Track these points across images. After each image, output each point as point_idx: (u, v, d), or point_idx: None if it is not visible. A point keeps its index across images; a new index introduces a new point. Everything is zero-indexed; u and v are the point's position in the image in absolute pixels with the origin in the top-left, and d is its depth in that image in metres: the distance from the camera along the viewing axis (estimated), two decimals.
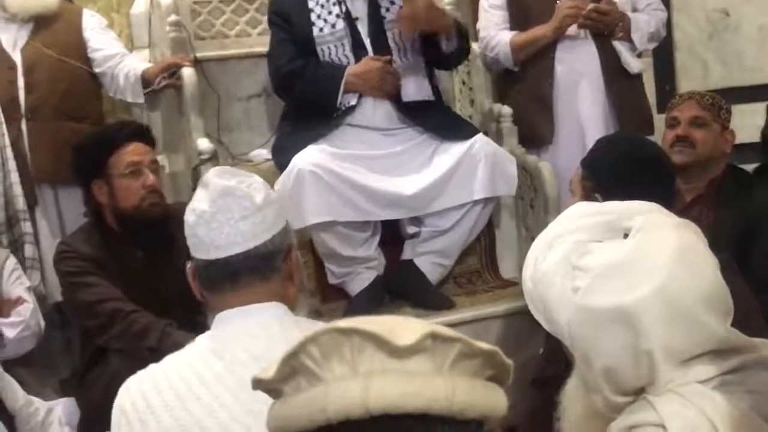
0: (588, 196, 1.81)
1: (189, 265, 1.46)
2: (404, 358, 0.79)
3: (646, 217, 1.16)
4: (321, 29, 2.81)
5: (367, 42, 2.82)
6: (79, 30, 3.07)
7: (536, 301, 1.22)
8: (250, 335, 1.36)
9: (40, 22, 3.02)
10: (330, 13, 2.82)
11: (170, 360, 1.41)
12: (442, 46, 2.77)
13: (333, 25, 2.80)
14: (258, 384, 0.86)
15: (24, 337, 2.63)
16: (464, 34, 2.86)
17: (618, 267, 1.13)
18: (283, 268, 1.43)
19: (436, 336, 0.82)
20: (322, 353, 0.80)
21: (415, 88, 2.81)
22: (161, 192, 2.60)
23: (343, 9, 2.81)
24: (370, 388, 0.76)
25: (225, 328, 1.40)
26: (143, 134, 2.62)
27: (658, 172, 1.85)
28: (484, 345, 0.84)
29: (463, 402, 0.77)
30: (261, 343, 1.35)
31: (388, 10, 2.83)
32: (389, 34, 2.81)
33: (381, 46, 2.81)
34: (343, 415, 0.76)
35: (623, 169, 1.81)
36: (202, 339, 1.42)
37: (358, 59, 2.78)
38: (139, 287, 2.49)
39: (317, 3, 2.83)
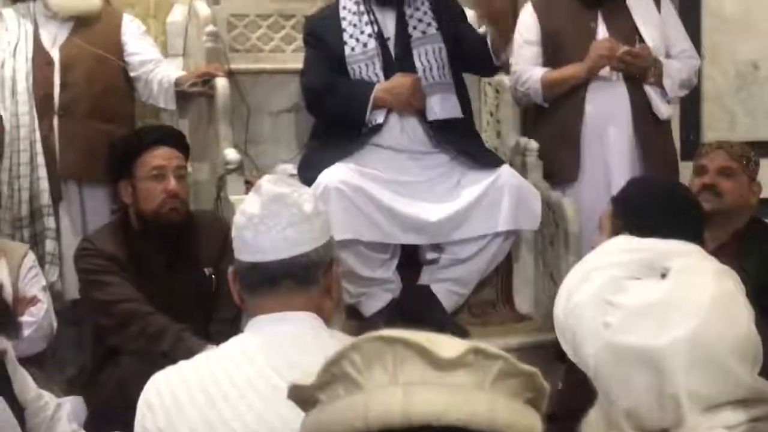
0: (616, 234, 1.80)
1: (231, 269, 1.48)
2: (447, 370, 0.79)
3: (687, 260, 1.16)
4: (353, 48, 2.85)
5: (395, 61, 2.87)
6: (117, 33, 3.11)
7: (566, 332, 1.22)
8: (284, 342, 1.37)
9: (80, 22, 3.05)
10: (362, 32, 2.86)
11: (201, 358, 1.42)
12: (494, 58, 2.81)
13: (365, 45, 2.85)
14: (294, 391, 0.86)
15: (35, 338, 2.61)
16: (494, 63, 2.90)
17: (652, 307, 1.13)
18: (323, 280, 1.45)
19: (479, 351, 0.82)
20: (365, 361, 0.80)
21: (440, 107, 2.85)
22: (183, 199, 2.61)
23: (375, 29, 2.86)
24: (412, 397, 0.76)
25: (259, 332, 1.41)
26: (175, 139, 2.64)
27: (689, 216, 1.85)
28: (525, 366, 0.84)
29: (504, 419, 0.77)
30: (294, 351, 1.35)
31: (415, 28, 2.87)
32: (415, 53, 2.85)
33: (408, 64, 2.86)
34: (383, 423, 0.76)
35: (655, 210, 1.81)
36: (235, 341, 1.43)
37: (387, 78, 2.83)
38: (156, 290, 2.50)
39: (350, 23, 2.87)
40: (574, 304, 1.20)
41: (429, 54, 2.85)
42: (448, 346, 0.83)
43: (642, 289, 1.14)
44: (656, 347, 1.11)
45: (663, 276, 1.16)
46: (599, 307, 1.16)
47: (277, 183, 1.45)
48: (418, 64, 2.85)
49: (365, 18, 2.88)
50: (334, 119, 2.86)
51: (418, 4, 2.92)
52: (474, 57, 2.88)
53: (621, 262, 1.18)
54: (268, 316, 1.41)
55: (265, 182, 1.45)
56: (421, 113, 2.84)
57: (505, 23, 2.77)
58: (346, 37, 2.87)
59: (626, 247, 1.22)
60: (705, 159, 2.77)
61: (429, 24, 2.89)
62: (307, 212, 1.42)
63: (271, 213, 1.41)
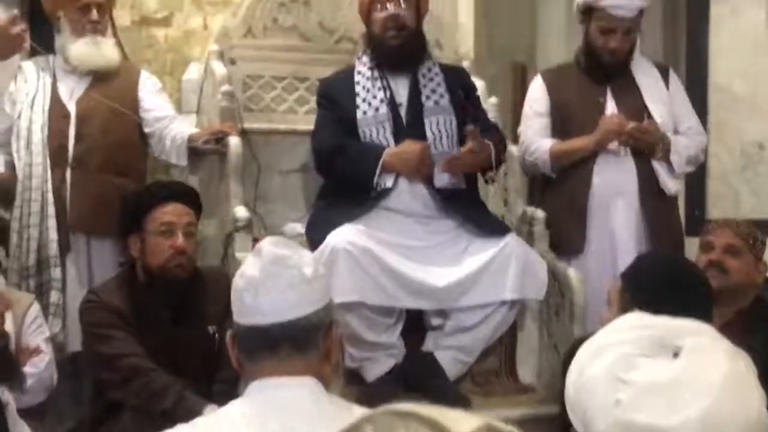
0: (625, 309, 1.81)
1: (229, 332, 1.47)
2: None
3: (699, 339, 1.16)
4: (365, 112, 2.89)
5: (406, 127, 2.90)
6: (134, 89, 3.15)
7: (577, 408, 1.22)
8: (283, 407, 1.36)
9: (98, 77, 3.10)
10: (375, 97, 2.91)
11: (200, 422, 1.41)
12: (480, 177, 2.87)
13: (376, 109, 2.89)
14: None
15: (36, 389, 2.59)
16: (502, 148, 2.96)
17: (663, 387, 1.12)
18: (322, 344, 1.44)
19: (492, 428, 0.82)
20: None
21: (448, 176, 2.87)
22: (190, 256, 2.61)
23: (388, 95, 2.91)
24: None
25: (258, 397, 1.40)
26: (187, 196, 2.66)
27: (698, 294, 1.85)
28: None
29: None
30: (292, 416, 1.34)
31: (428, 98, 2.91)
32: (426, 122, 2.89)
33: (419, 131, 2.89)
34: None
35: (664, 286, 1.81)
36: (233, 405, 1.42)
37: (397, 143, 2.86)
38: (160, 346, 2.49)
39: (363, 87, 2.92)
40: (585, 379, 1.20)
41: (440, 124, 2.89)
42: (461, 421, 0.83)
43: (653, 367, 1.14)
44: (667, 427, 1.10)
45: (675, 354, 1.16)
46: (611, 384, 1.16)
47: (278, 245, 1.45)
48: (428, 132, 2.88)
49: (378, 83, 2.93)
50: (343, 181, 2.89)
51: (432, 74, 2.97)
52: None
53: (632, 339, 1.18)
54: (266, 381, 1.40)
55: (266, 244, 1.45)
56: (428, 180, 2.86)
57: (480, 161, 2.85)
58: (358, 100, 2.91)
59: (637, 324, 1.22)
60: (711, 236, 2.78)
61: (442, 96, 2.93)
62: (308, 275, 1.42)
63: (271, 275, 1.40)
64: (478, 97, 3.13)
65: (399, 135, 2.89)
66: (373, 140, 2.88)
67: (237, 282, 1.45)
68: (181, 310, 2.56)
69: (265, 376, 1.41)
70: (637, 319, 1.24)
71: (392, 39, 2.91)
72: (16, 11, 2.78)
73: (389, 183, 2.83)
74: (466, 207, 2.87)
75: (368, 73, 2.95)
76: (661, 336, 1.17)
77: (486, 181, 2.99)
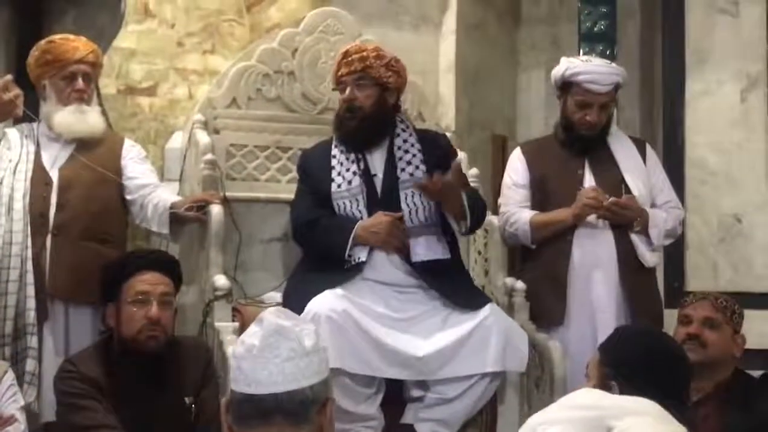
0: (604, 382, 1.81)
1: (223, 400, 1.47)
2: None
3: (634, 421, 1.14)
4: (339, 185, 2.92)
5: (381, 199, 2.92)
6: (118, 157, 3.16)
7: None
8: None
9: (82, 144, 3.11)
10: (348, 170, 2.93)
11: None
12: (454, 227, 2.86)
13: (349, 182, 2.92)
14: None
15: None
16: (481, 205, 2.96)
17: None
18: (316, 420, 1.42)
19: None
20: None
21: (425, 249, 2.87)
22: (164, 326, 2.58)
23: (362, 166, 2.93)
24: None
25: None
26: (166, 265, 2.65)
27: (677, 369, 1.85)
28: None
29: None
30: None
31: (403, 170, 2.93)
32: (402, 195, 2.90)
33: (395, 204, 2.90)
34: None
35: (643, 361, 1.81)
36: None
37: (370, 215, 2.87)
38: (136, 416, 2.45)
39: (338, 161, 2.95)
40: None
41: (416, 196, 2.88)
42: None
43: None
44: None
45: None
46: None
47: (280, 316, 1.46)
48: (404, 206, 2.88)
49: (352, 156, 2.95)
50: (318, 254, 2.89)
51: (408, 146, 2.98)
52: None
53: (570, 419, 1.17)
54: None
55: (268, 314, 1.47)
56: (401, 251, 2.86)
57: (454, 199, 2.82)
58: (333, 173, 2.94)
59: (580, 403, 1.21)
60: (689, 308, 2.80)
61: (417, 167, 2.93)
62: (307, 347, 1.43)
63: (270, 345, 1.41)
64: (458, 161, 3.14)
65: (373, 207, 2.89)
66: (347, 213, 2.88)
67: (237, 349, 1.45)
68: (157, 380, 2.53)
69: None
70: (581, 397, 1.23)
71: (349, 121, 2.94)
72: (10, 76, 2.78)
73: (363, 256, 2.83)
74: (445, 278, 2.86)
75: (343, 146, 2.98)
76: (601, 416, 1.16)
77: (461, 233, 2.95)
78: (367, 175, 2.94)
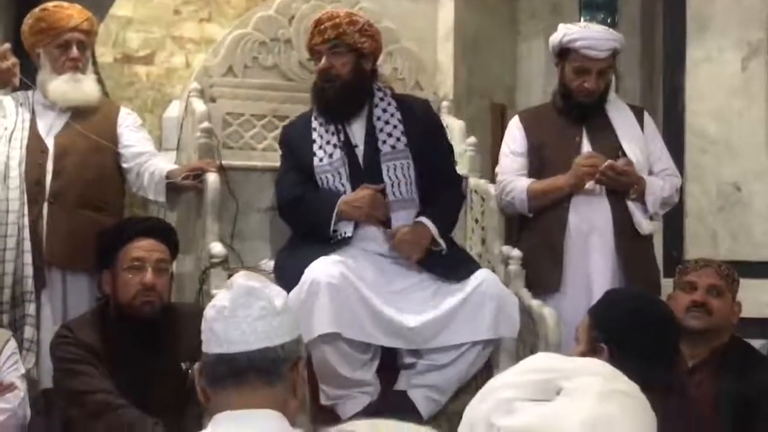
0: (593, 345, 1.82)
1: (197, 364, 1.49)
2: None
3: (580, 381, 1.14)
4: (321, 159, 2.91)
5: (364, 170, 2.90)
6: (114, 125, 3.16)
7: None
8: None
9: (77, 112, 3.10)
10: (329, 142, 2.92)
11: None
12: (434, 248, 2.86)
13: (330, 155, 2.90)
14: None
15: (8, 426, 2.57)
16: (455, 204, 3.01)
17: (526, 431, 1.11)
18: (289, 377, 1.45)
19: None
20: None
21: (406, 223, 2.86)
22: (159, 292, 2.59)
23: (342, 138, 2.91)
24: None
25: (221, 428, 1.40)
26: (161, 232, 2.66)
27: (664, 332, 1.86)
28: None
29: None
30: None
31: (384, 142, 2.91)
32: (384, 167, 2.88)
33: (377, 176, 2.88)
34: None
35: (630, 323, 1.82)
36: None
37: (354, 188, 2.86)
38: (132, 382, 2.48)
39: (319, 133, 2.93)
40: (466, 422, 1.19)
41: (397, 170, 2.87)
42: None
43: (525, 412, 1.12)
44: None
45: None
46: (486, 429, 1.14)
47: (249, 278, 1.49)
48: (386, 178, 2.87)
49: (332, 128, 2.92)
50: (304, 231, 2.90)
51: (387, 116, 2.95)
52: (436, 179, 2.93)
53: (520, 383, 1.16)
54: (230, 413, 1.41)
55: (238, 278, 1.50)
56: (387, 225, 2.85)
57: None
58: (315, 147, 2.92)
59: (533, 367, 1.20)
60: (693, 275, 2.79)
61: (398, 139, 2.91)
62: (278, 307, 1.45)
63: (241, 305, 1.44)
64: (439, 131, 3.11)
65: (357, 180, 2.88)
66: (330, 187, 2.87)
67: (208, 312, 1.47)
68: (153, 345, 2.55)
69: (228, 408, 1.42)
70: (536, 361, 1.23)
71: (327, 91, 2.92)
72: (7, 45, 2.77)
73: (348, 231, 2.83)
74: (431, 253, 2.85)
75: (322, 118, 2.95)
76: (551, 378, 1.15)
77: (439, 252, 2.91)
78: (348, 147, 2.91)
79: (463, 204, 3.16)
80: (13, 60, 2.73)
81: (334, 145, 2.89)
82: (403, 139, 2.90)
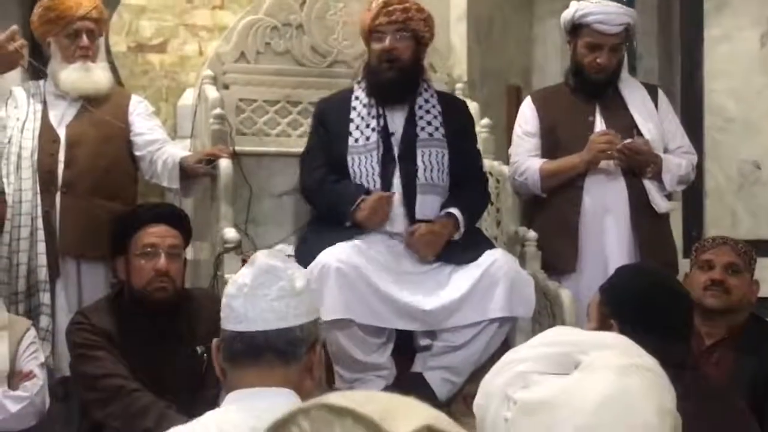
0: (604, 322, 1.80)
1: (215, 340, 1.50)
2: None
3: (598, 355, 1.12)
4: (357, 140, 2.90)
5: (397, 156, 2.90)
6: (125, 113, 3.16)
7: (478, 424, 1.19)
8: (258, 417, 1.35)
9: (89, 101, 3.11)
10: (368, 126, 2.91)
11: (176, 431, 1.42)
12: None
13: (367, 138, 2.90)
14: None
15: (26, 413, 2.59)
16: (482, 201, 3.02)
17: (543, 405, 1.08)
18: (306, 358, 1.46)
19: (433, 430, 0.81)
20: (312, 428, 0.79)
21: (431, 208, 2.86)
22: (173, 278, 2.59)
23: (381, 123, 2.91)
24: None
25: (235, 406, 1.41)
26: (173, 218, 2.66)
27: (676, 307, 1.83)
28: None
29: None
30: (266, 427, 1.33)
31: (423, 129, 2.90)
32: (419, 152, 2.89)
33: (410, 162, 2.88)
34: None
35: (640, 299, 1.80)
36: (210, 415, 1.43)
37: (384, 170, 2.86)
38: (146, 366, 2.49)
39: (358, 114, 2.92)
40: (482, 395, 1.17)
41: (432, 156, 2.88)
42: (401, 421, 0.81)
43: (542, 385, 1.09)
44: None
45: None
46: (502, 402, 1.12)
47: (271, 257, 1.50)
48: (420, 162, 2.88)
49: (374, 111, 2.92)
50: (323, 215, 2.93)
51: (429, 106, 2.96)
52: (466, 175, 2.94)
53: (537, 356, 1.15)
54: (246, 391, 1.42)
55: (260, 255, 1.51)
56: (410, 213, 2.85)
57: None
58: (352, 127, 2.92)
59: (549, 340, 1.19)
60: (710, 254, 2.75)
61: (437, 128, 2.92)
62: (298, 288, 1.45)
63: (261, 284, 1.44)
64: (474, 133, 3.13)
65: (387, 164, 2.89)
66: (360, 168, 2.87)
67: (229, 289, 1.48)
68: (168, 331, 2.56)
69: (245, 385, 1.43)
70: (552, 335, 1.21)
71: (386, 72, 2.91)
72: (15, 27, 2.75)
73: None
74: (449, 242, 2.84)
75: (365, 100, 2.95)
76: (568, 352, 1.13)
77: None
78: (385, 133, 2.92)
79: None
80: (21, 41, 2.72)
81: (373, 129, 2.90)
82: (442, 129, 2.93)
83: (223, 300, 1.49)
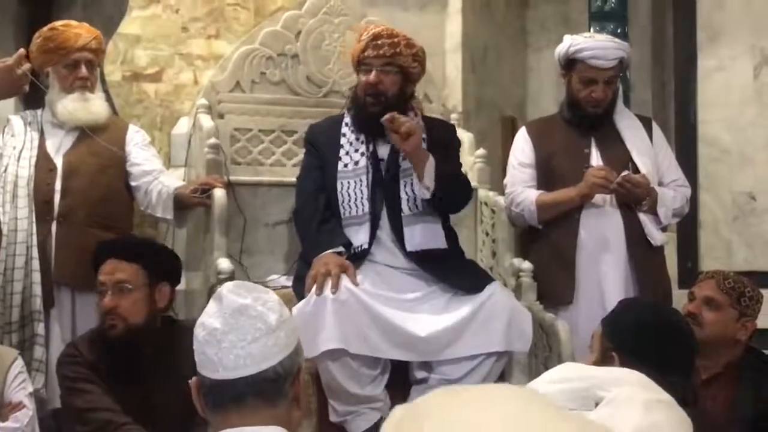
0: (605, 355, 1.78)
1: (193, 379, 1.43)
2: None
3: (621, 391, 1.11)
4: (346, 165, 2.91)
5: (385, 183, 2.90)
6: (122, 143, 3.15)
7: None
8: None
9: (86, 131, 3.10)
10: (357, 150, 2.92)
11: None
12: (422, 192, 2.81)
13: (356, 162, 2.90)
14: None
15: None
16: (457, 180, 2.93)
17: None
18: (290, 391, 1.39)
19: None
20: None
21: (421, 238, 2.85)
22: (121, 314, 2.49)
23: (370, 149, 2.92)
24: None
25: None
26: (128, 252, 2.57)
27: (678, 342, 1.82)
28: None
29: None
30: None
31: (404, 158, 2.89)
32: (401, 183, 2.88)
33: (395, 192, 2.88)
34: None
35: (643, 333, 1.79)
36: None
37: (372, 194, 2.86)
38: (134, 400, 2.45)
39: (348, 140, 2.93)
40: None
41: (415, 185, 2.85)
42: None
43: None
44: None
45: (597, 406, 1.12)
46: None
47: (240, 292, 1.39)
48: (402, 194, 2.88)
49: (362, 137, 2.93)
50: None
51: None
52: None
53: (556, 392, 1.14)
54: (234, 431, 1.36)
55: (226, 291, 1.39)
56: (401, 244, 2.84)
57: (417, 150, 2.79)
58: (342, 152, 2.92)
59: (566, 376, 1.18)
60: (696, 286, 2.75)
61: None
62: (272, 324, 1.37)
63: (233, 328, 1.35)
64: (457, 153, 3.11)
65: (377, 189, 2.88)
66: (349, 193, 2.87)
67: (198, 333, 1.39)
68: (157, 363, 2.52)
69: (229, 426, 1.37)
70: (567, 370, 1.20)
71: (370, 106, 2.90)
72: (23, 50, 2.71)
73: (365, 244, 2.82)
74: (443, 265, 2.83)
75: (354, 127, 2.96)
76: (587, 387, 1.13)
77: (424, 197, 2.84)
78: (374, 158, 2.92)
79: (467, 203, 3.07)
80: (27, 65, 2.69)
81: (362, 154, 2.91)
82: None
83: (195, 344, 1.39)
